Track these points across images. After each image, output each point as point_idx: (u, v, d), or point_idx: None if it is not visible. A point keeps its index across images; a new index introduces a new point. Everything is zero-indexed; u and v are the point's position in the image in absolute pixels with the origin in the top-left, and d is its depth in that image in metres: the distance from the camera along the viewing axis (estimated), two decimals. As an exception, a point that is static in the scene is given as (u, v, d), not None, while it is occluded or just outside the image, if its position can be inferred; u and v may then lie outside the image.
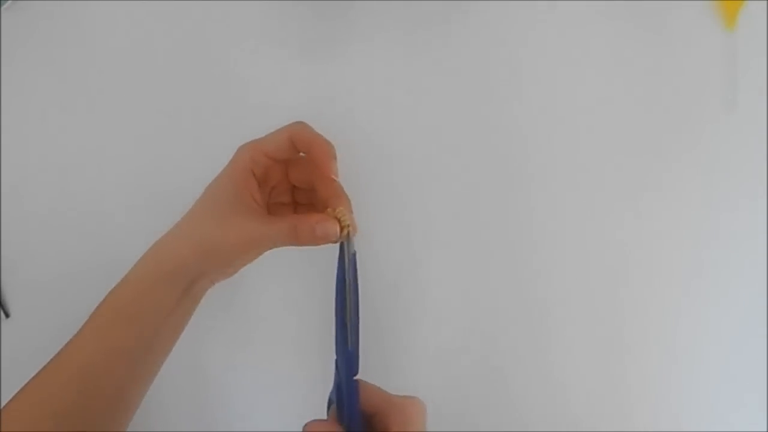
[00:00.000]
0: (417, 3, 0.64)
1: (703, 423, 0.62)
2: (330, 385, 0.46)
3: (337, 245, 0.47)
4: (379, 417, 0.44)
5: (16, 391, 0.44)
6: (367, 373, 0.45)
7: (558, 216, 0.63)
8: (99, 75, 0.63)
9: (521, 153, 0.63)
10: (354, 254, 0.47)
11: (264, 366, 0.62)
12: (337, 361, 0.45)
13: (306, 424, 0.44)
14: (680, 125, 0.63)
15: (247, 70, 0.64)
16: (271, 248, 0.49)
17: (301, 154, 0.49)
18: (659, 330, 0.63)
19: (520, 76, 0.64)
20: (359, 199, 0.50)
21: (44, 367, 0.45)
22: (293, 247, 0.53)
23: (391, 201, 0.63)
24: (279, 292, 0.62)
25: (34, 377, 0.45)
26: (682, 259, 0.63)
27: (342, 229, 0.47)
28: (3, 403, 0.44)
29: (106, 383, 0.45)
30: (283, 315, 0.63)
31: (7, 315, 0.61)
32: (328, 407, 0.46)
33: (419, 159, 0.63)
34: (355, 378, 0.44)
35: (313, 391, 0.49)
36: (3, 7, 0.62)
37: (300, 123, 0.48)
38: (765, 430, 0.62)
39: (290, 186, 0.51)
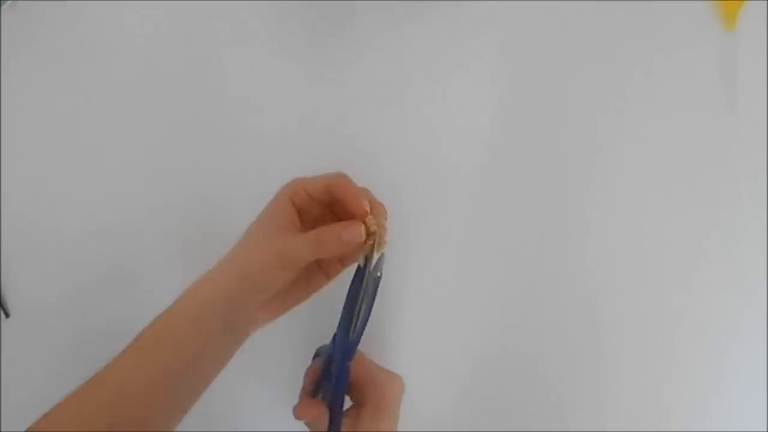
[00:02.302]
0: (420, 4, 0.64)
1: (703, 423, 0.62)
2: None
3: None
4: (360, 387, 0.46)
5: (15, 392, 0.44)
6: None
7: (555, 216, 0.63)
8: (99, 75, 0.63)
9: (521, 153, 0.63)
10: (379, 278, 0.48)
11: (263, 364, 0.62)
12: (335, 336, 0.48)
13: (294, 408, 0.47)
14: (680, 125, 0.63)
15: (250, 72, 0.64)
16: (299, 263, 0.47)
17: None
18: (659, 330, 0.63)
19: (520, 77, 0.64)
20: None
21: (81, 386, 0.45)
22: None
23: (394, 202, 0.63)
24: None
25: (69, 396, 0.45)
26: (681, 259, 0.63)
27: (369, 233, 0.47)
28: (3, 403, 0.44)
29: (141, 409, 0.45)
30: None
31: (7, 315, 0.61)
32: (315, 357, 0.50)
33: (424, 160, 0.63)
34: (349, 363, 0.47)
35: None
36: (3, 7, 0.63)
37: (340, 175, 0.49)
38: (765, 430, 0.62)
39: (334, 218, 0.51)
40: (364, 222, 0.46)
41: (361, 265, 0.48)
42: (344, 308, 0.47)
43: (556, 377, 0.63)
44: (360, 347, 0.49)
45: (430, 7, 0.64)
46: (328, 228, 0.47)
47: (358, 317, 0.47)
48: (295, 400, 0.51)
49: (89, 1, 0.63)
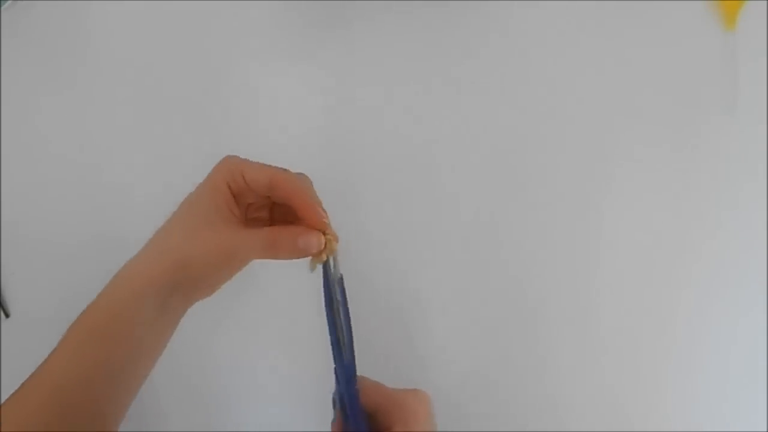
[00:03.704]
0: (421, 3, 0.64)
1: (703, 423, 0.62)
2: (330, 381, 0.46)
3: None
4: (381, 414, 0.44)
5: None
6: (367, 372, 0.45)
7: (556, 216, 0.63)
8: (99, 75, 0.63)
9: (521, 154, 0.63)
10: (341, 278, 0.46)
11: (265, 363, 0.62)
12: (336, 369, 0.46)
13: None
14: (680, 125, 0.63)
15: (251, 72, 0.64)
16: (246, 261, 0.46)
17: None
18: (659, 330, 0.63)
19: (521, 77, 0.64)
20: (360, 200, 0.50)
21: (18, 388, 0.44)
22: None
23: (392, 201, 0.63)
24: (279, 290, 0.62)
25: (8, 398, 0.43)
26: (681, 259, 0.63)
27: (326, 243, 0.45)
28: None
29: (84, 402, 0.44)
30: (283, 312, 0.63)
31: (7, 315, 0.61)
32: (334, 406, 0.47)
33: (420, 160, 0.63)
34: (356, 386, 0.45)
35: (314, 389, 0.49)
36: (3, 7, 0.63)
37: (281, 171, 0.45)
38: (765, 430, 0.62)
39: (269, 202, 0.48)
40: (321, 231, 0.44)
41: (326, 287, 0.45)
42: (330, 334, 0.45)
43: (555, 377, 0.63)
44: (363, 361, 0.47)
45: (434, 7, 0.64)
46: (284, 231, 0.45)
47: (342, 333, 0.45)
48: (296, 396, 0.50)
49: (89, 1, 0.63)
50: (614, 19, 0.64)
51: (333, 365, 0.46)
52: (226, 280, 0.48)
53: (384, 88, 0.64)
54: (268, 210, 0.49)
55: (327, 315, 0.45)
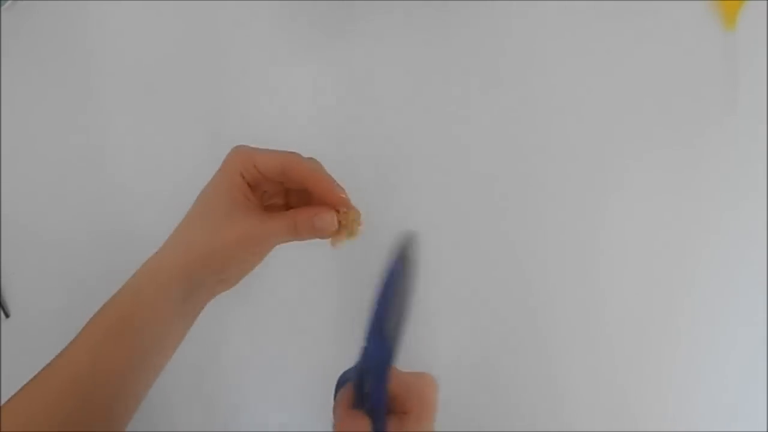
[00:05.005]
0: (422, 3, 0.64)
1: (704, 423, 0.62)
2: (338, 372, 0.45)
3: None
4: (398, 401, 0.43)
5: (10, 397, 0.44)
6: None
7: (557, 215, 0.63)
8: (99, 75, 0.63)
9: (522, 153, 0.63)
10: (406, 258, 0.44)
11: (272, 363, 0.62)
12: (366, 348, 0.42)
13: (337, 423, 0.42)
14: (680, 125, 0.63)
15: (253, 71, 0.64)
16: (270, 248, 0.48)
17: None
18: (660, 330, 0.63)
19: (522, 77, 0.64)
20: (363, 198, 0.49)
21: (36, 377, 0.44)
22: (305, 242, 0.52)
23: (395, 199, 0.63)
24: (292, 286, 0.62)
25: (26, 386, 0.44)
26: (681, 259, 0.63)
27: (340, 223, 0.46)
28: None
29: (101, 394, 0.44)
30: (295, 308, 0.63)
31: (7, 315, 0.61)
32: (337, 388, 0.45)
33: (425, 157, 0.63)
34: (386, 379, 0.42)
35: (321, 388, 0.49)
36: (3, 7, 0.63)
37: (293, 155, 0.46)
38: (765, 430, 0.62)
39: (283, 189, 0.49)
40: (336, 211, 0.46)
41: (398, 263, 0.43)
42: (376, 310, 0.41)
43: (560, 376, 0.63)
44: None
45: (435, 7, 0.64)
46: (301, 213, 0.46)
47: (392, 312, 0.42)
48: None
49: (89, 1, 0.63)
50: (614, 19, 0.64)
51: (345, 349, 0.42)
52: (248, 272, 0.49)
53: (390, 86, 0.64)
54: (282, 196, 0.50)
55: (386, 287, 0.42)
